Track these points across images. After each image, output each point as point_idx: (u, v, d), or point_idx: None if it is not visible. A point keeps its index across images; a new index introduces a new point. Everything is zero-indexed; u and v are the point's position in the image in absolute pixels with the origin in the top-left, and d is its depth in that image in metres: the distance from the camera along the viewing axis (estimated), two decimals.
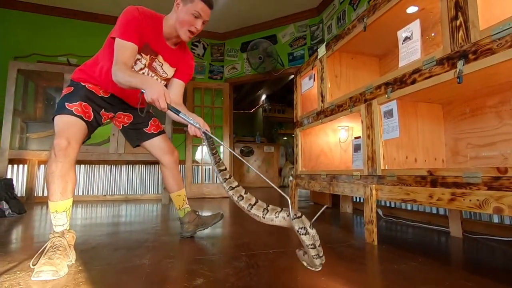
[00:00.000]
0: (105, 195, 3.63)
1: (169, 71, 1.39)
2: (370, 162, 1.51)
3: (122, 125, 1.47)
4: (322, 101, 2.05)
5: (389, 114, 1.40)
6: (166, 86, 1.42)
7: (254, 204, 0.84)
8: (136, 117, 1.45)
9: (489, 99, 1.38)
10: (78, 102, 1.20)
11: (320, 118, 2.06)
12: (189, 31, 1.25)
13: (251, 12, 3.81)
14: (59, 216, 1.14)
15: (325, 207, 1.50)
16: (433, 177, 1.13)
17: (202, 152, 4.20)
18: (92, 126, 1.25)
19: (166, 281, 0.95)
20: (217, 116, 4.25)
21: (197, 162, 4.10)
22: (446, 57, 1.10)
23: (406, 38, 1.32)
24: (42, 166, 3.45)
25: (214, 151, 1.08)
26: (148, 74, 1.32)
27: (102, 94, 1.29)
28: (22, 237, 1.61)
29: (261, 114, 8.07)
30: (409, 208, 2.10)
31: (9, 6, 3.53)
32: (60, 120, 1.16)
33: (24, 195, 3.24)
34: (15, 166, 3.31)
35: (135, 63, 1.26)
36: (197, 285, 0.90)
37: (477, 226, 1.65)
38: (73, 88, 1.24)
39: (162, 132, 1.52)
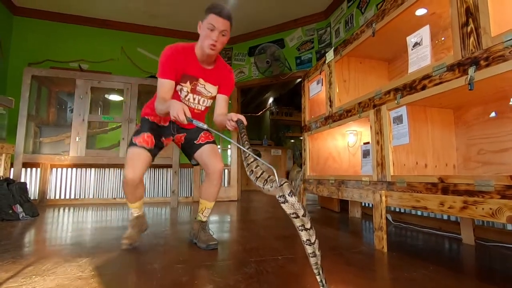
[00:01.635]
0: (115, 198, 3.69)
1: (213, 89, 1.53)
2: (380, 168, 1.50)
3: (181, 144, 1.62)
4: (330, 105, 2.04)
5: (398, 120, 1.39)
6: (213, 101, 1.58)
7: (259, 176, 0.86)
8: (189, 134, 1.59)
9: (502, 104, 1.36)
10: (141, 134, 1.44)
11: (328, 123, 2.06)
12: (210, 44, 1.34)
13: (259, 17, 3.84)
14: (134, 209, 1.56)
15: None
16: (444, 184, 1.12)
17: None
18: (154, 150, 1.47)
19: (177, 287, 0.96)
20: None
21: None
22: (457, 63, 1.09)
23: (416, 44, 1.31)
24: (54, 170, 3.53)
25: (244, 140, 1.10)
26: (194, 98, 1.51)
27: (162, 123, 1.54)
28: (36, 240, 1.65)
29: (268, 117, 8.07)
30: (419, 213, 2.07)
31: (23, 14, 3.64)
32: (130, 152, 1.41)
33: (37, 198, 3.32)
34: (28, 169, 3.39)
35: (180, 92, 1.47)
36: None
37: (489, 233, 1.62)
38: (140, 124, 1.52)
39: (210, 142, 1.56)
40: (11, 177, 2.84)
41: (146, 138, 1.43)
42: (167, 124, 1.55)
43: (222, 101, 1.54)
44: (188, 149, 1.59)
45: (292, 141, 8.43)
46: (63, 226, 2.09)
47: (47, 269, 1.11)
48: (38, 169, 3.40)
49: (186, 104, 1.42)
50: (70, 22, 3.79)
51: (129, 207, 1.56)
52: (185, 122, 1.18)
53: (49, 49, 3.68)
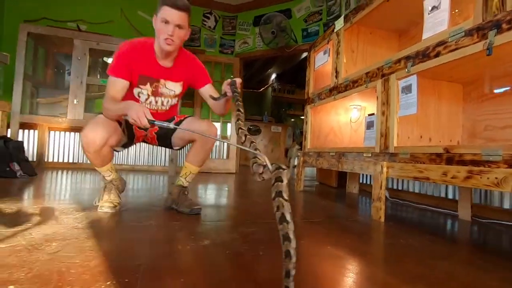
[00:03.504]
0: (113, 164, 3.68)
1: (176, 87, 1.39)
2: (383, 139, 1.47)
3: (155, 133, 1.46)
4: (336, 76, 1.98)
5: (407, 89, 1.34)
6: (178, 98, 1.45)
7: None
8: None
9: None
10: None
11: (333, 94, 2.00)
12: (165, 39, 1.20)
13: None
14: (105, 173, 1.38)
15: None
16: (449, 155, 1.10)
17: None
18: (128, 144, 1.43)
19: (173, 240, 0.96)
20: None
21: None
22: (476, 28, 1.03)
23: (433, 8, 1.24)
24: (52, 133, 3.49)
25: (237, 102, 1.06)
26: (157, 100, 1.37)
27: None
28: (33, 196, 1.65)
29: (270, 93, 7.95)
30: (416, 190, 2.08)
31: None
32: (96, 118, 1.26)
33: (35, 160, 3.30)
34: (26, 131, 3.35)
35: (139, 96, 1.34)
36: (204, 245, 0.91)
37: (486, 211, 1.62)
38: None
39: (188, 116, 1.47)
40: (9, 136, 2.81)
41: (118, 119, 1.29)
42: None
43: (209, 92, 1.39)
44: (166, 134, 1.44)
45: (293, 120, 8.36)
46: (61, 186, 2.09)
47: (43, 219, 1.10)
48: (36, 131, 3.36)
49: (148, 108, 1.20)
50: None
51: (99, 172, 1.37)
52: (148, 126, 1.07)
53: (46, 7, 3.51)
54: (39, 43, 3.24)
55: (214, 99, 1.32)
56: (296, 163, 6.91)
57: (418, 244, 1.04)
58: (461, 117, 1.58)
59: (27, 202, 1.42)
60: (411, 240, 1.08)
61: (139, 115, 1.05)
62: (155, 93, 1.35)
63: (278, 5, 3.92)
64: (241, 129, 0.96)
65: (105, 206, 1.29)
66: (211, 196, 1.98)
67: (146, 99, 1.35)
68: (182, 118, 1.45)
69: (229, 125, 4.28)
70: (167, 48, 1.23)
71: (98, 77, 3.48)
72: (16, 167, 2.27)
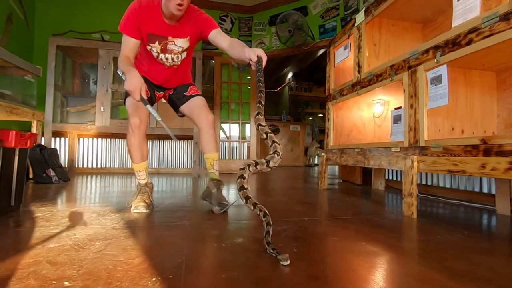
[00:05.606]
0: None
1: (183, 43, 1.46)
2: (412, 133, 1.43)
3: (168, 94, 1.64)
4: (359, 71, 1.94)
5: (437, 80, 1.30)
6: (189, 52, 1.53)
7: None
8: (177, 89, 1.62)
9: None
10: None
11: (356, 89, 1.97)
12: (177, 4, 1.27)
13: None
14: (141, 173, 1.50)
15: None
16: (487, 146, 1.05)
17: (229, 129, 4.23)
18: (151, 101, 1.49)
19: (208, 238, 0.98)
20: (244, 92, 4.22)
21: (226, 139, 4.15)
22: None
23: None
24: (81, 140, 3.66)
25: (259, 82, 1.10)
26: (167, 57, 1.46)
27: (152, 81, 1.53)
28: (70, 199, 1.74)
29: (287, 92, 7.91)
30: (447, 185, 1.99)
31: None
32: (129, 102, 1.41)
33: (66, 166, 3.48)
34: (57, 138, 3.53)
35: (151, 52, 1.44)
36: (238, 243, 0.92)
37: None
38: None
39: (199, 95, 1.60)
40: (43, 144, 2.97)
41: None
42: (157, 83, 1.55)
43: (219, 36, 1.44)
44: (177, 100, 1.61)
45: (310, 118, 8.28)
46: (94, 189, 2.19)
47: (83, 221, 1.16)
48: (67, 139, 3.54)
49: (160, 64, 1.46)
50: None
51: (135, 172, 1.50)
52: (138, 100, 1.20)
53: (72, 20, 3.70)
54: (66, 55, 3.42)
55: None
56: (316, 161, 6.82)
57: (456, 240, 1.00)
58: (495, 107, 1.50)
59: (65, 206, 1.50)
60: (448, 236, 1.05)
61: (135, 89, 1.18)
62: (164, 50, 1.44)
63: (293, 3, 3.91)
64: (261, 125, 0.98)
65: (140, 205, 1.36)
66: (236, 196, 2.00)
67: (158, 56, 1.45)
68: (194, 94, 1.59)
69: (247, 126, 4.31)
70: (178, 14, 1.32)
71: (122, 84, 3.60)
72: (52, 173, 2.40)
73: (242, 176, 0.94)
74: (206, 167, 1.61)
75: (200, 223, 1.19)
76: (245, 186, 0.94)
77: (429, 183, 2.14)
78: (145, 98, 1.22)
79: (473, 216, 1.46)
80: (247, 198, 0.94)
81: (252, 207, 0.94)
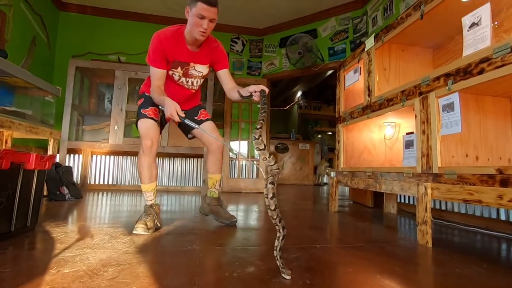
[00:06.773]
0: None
1: (203, 69, 1.60)
2: (425, 159, 1.42)
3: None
4: (369, 95, 1.96)
5: (449, 107, 1.30)
6: (205, 78, 1.68)
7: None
8: (189, 111, 1.69)
9: None
10: (149, 108, 1.55)
11: (366, 113, 1.98)
12: (200, 32, 1.39)
13: (291, 7, 3.77)
14: (149, 194, 1.54)
15: None
16: (503, 176, 1.03)
17: (239, 147, 4.26)
18: (161, 124, 1.61)
19: (220, 266, 0.98)
20: (254, 112, 4.28)
21: (235, 157, 4.17)
22: None
23: (473, 25, 1.21)
24: (94, 157, 3.74)
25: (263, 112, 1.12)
26: (187, 81, 1.60)
27: None
28: (83, 219, 1.76)
29: (296, 111, 7.97)
30: (462, 211, 1.94)
31: (68, 9, 3.86)
32: (141, 124, 1.52)
33: (79, 183, 3.54)
34: (72, 155, 3.62)
35: (172, 77, 1.56)
36: (250, 272, 0.91)
37: None
38: (143, 99, 1.61)
39: (210, 119, 1.72)
40: (58, 161, 3.05)
41: (154, 111, 1.55)
42: None
43: (226, 76, 1.61)
44: (187, 127, 1.66)
45: (319, 136, 8.28)
46: (105, 207, 2.21)
47: (96, 243, 1.18)
48: (81, 156, 3.62)
49: (180, 86, 1.59)
50: (110, 16, 3.96)
51: (143, 192, 1.55)
52: (179, 120, 1.35)
53: (90, 43, 3.88)
54: (84, 75, 3.56)
55: (242, 97, 1.44)
56: (325, 180, 6.73)
57: (476, 274, 0.97)
58: (510, 132, 1.48)
59: (78, 226, 1.52)
60: (467, 269, 1.01)
61: (172, 112, 1.33)
62: (185, 75, 1.57)
63: (303, 26, 4.02)
64: (258, 146, 0.98)
65: (140, 228, 1.37)
66: (248, 217, 1.99)
67: (179, 79, 1.57)
68: (205, 119, 1.69)
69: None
70: (201, 39, 1.44)
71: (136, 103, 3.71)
72: (65, 190, 2.45)
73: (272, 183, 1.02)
74: (208, 186, 1.76)
75: (211, 248, 1.18)
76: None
77: (443, 208, 2.09)
78: (183, 115, 1.35)
79: (491, 245, 1.41)
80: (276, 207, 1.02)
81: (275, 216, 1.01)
